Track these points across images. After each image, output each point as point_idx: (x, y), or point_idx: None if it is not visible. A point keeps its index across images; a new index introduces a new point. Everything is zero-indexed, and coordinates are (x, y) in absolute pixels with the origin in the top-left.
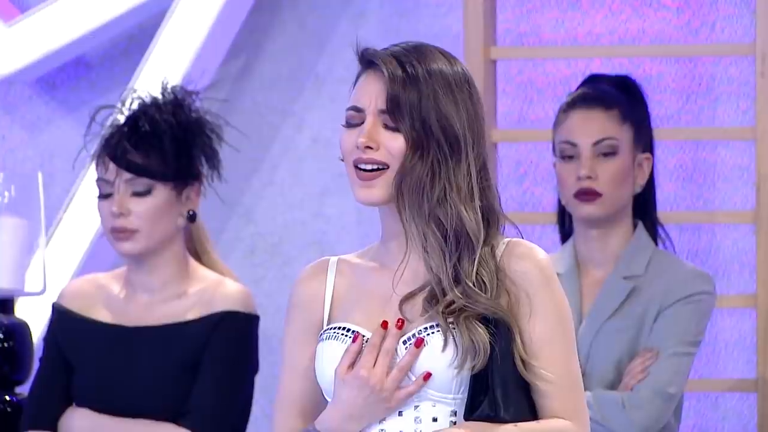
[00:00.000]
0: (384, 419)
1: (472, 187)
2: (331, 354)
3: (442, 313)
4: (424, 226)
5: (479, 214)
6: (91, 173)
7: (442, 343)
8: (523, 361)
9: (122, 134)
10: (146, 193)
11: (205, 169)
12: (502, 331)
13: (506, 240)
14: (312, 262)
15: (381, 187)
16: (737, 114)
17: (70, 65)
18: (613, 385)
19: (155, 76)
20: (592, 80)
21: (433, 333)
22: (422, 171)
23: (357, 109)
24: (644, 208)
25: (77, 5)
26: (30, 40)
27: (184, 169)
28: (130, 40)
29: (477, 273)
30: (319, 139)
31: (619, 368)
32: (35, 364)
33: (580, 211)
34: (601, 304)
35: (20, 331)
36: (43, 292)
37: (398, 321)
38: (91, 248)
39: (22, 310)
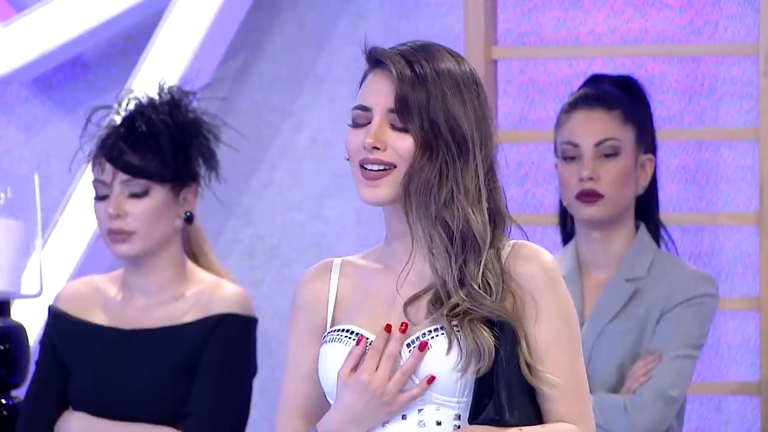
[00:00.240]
0: (387, 422)
1: (479, 189)
2: (334, 356)
3: (447, 315)
4: (430, 228)
5: (486, 215)
6: (88, 175)
7: (446, 346)
8: (528, 365)
9: (119, 135)
10: (143, 194)
11: (202, 170)
12: (507, 334)
13: (512, 242)
14: (311, 264)
15: (387, 187)
16: (740, 114)
17: (66, 65)
18: (615, 388)
19: (153, 76)
20: (594, 80)
21: (437, 336)
22: (430, 172)
23: (364, 108)
24: (647, 209)
25: (74, 5)
26: (26, 39)
27: (182, 170)
28: (128, 39)
29: (482, 275)
30: (318, 140)
31: (621, 371)
32: (31, 368)
33: (582, 212)
34: (603, 306)
35: (16, 333)
36: (39, 294)
37: (402, 325)
38: (88, 250)
39: (18, 313)
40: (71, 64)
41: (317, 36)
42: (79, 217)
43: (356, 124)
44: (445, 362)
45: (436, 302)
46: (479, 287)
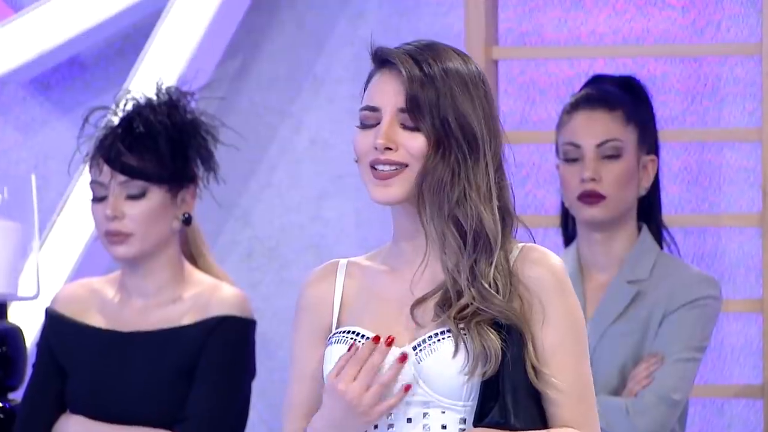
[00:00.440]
0: (392, 425)
1: (490, 187)
2: (339, 358)
3: (454, 318)
4: (443, 226)
5: (497, 214)
6: (86, 176)
7: (452, 349)
8: (534, 369)
9: (116, 136)
10: (141, 195)
11: (200, 171)
12: (514, 337)
13: (520, 245)
14: (310, 265)
15: (399, 186)
16: (743, 115)
17: (64, 65)
18: (617, 391)
19: (151, 76)
20: (596, 81)
21: (443, 339)
22: (444, 170)
23: (372, 109)
24: (649, 211)
25: (71, 5)
26: (24, 39)
27: (180, 171)
28: (126, 39)
29: (492, 276)
30: (317, 141)
31: (623, 373)
32: (28, 370)
33: (584, 213)
34: (605, 308)
35: (13, 336)
36: (36, 296)
37: (388, 338)
38: (86, 252)
39: (15, 315)
40: (69, 65)
41: (316, 36)
42: (76, 218)
43: (364, 125)
44: (452, 365)
45: (444, 304)
46: (490, 286)
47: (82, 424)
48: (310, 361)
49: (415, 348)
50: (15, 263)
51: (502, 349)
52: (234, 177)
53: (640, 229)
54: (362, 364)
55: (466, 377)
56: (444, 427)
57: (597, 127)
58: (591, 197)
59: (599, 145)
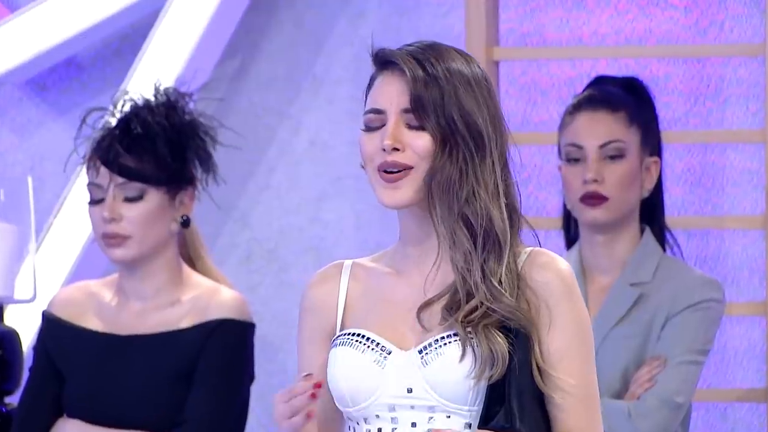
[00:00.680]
0: (396, 430)
1: (497, 185)
2: (344, 360)
3: (462, 321)
4: (453, 225)
5: (505, 213)
6: (83, 177)
7: (459, 352)
8: (540, 373)
9: (114, 137)
10: (138, 197)
11: (199, 173)
12: (521, 341)
13: (528, 249)
14: (309, 268)
15: (407, 188)
16: (746, 116)
17: (61, 66)
18: (620, 394)
19: (149, 77)
20: (598, 82)
21: (450, 342)
22: (452, 169)
23: (377, 111)
24: (652, 212)
25: (68, 5)
26: (20, 40)
27: (178, 173)
28: (123, 40)
29: (501, 275)
30: (317, 142)
31: (625, 376)
32: (25, 374)
33: (586, 215)
34: (608, 311)
35: (10, 339)
36: (33, 299)
37: (316, 384)
38: (83, 254)
39: (11, 318)
40: (65, 65)
41: (315, 36)
42: (73, 220)
43: (369, 128)
44: (458, 370)
45: (451, 308)
46: (500, 285)
47: (79, 428)
48: (314, 362)
49: (420, 351)
50: (11, 266)
51: (509, 352)
52: (233, 178)
53: (642, 231)
54: (291, 396)
55: (473, 382)
56: None
57: (600, 128)
58: (593, 199)
59: (602, 146)
